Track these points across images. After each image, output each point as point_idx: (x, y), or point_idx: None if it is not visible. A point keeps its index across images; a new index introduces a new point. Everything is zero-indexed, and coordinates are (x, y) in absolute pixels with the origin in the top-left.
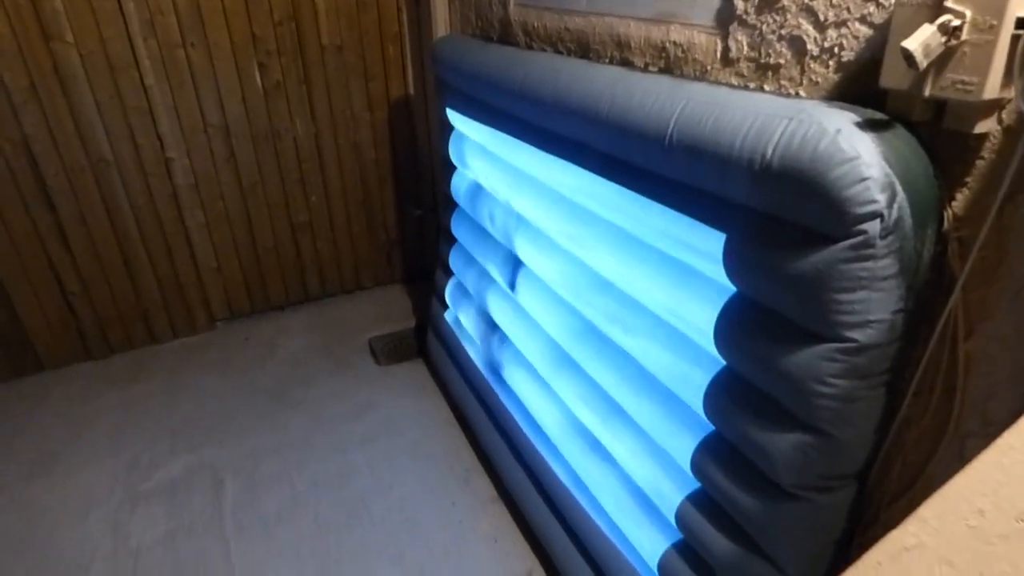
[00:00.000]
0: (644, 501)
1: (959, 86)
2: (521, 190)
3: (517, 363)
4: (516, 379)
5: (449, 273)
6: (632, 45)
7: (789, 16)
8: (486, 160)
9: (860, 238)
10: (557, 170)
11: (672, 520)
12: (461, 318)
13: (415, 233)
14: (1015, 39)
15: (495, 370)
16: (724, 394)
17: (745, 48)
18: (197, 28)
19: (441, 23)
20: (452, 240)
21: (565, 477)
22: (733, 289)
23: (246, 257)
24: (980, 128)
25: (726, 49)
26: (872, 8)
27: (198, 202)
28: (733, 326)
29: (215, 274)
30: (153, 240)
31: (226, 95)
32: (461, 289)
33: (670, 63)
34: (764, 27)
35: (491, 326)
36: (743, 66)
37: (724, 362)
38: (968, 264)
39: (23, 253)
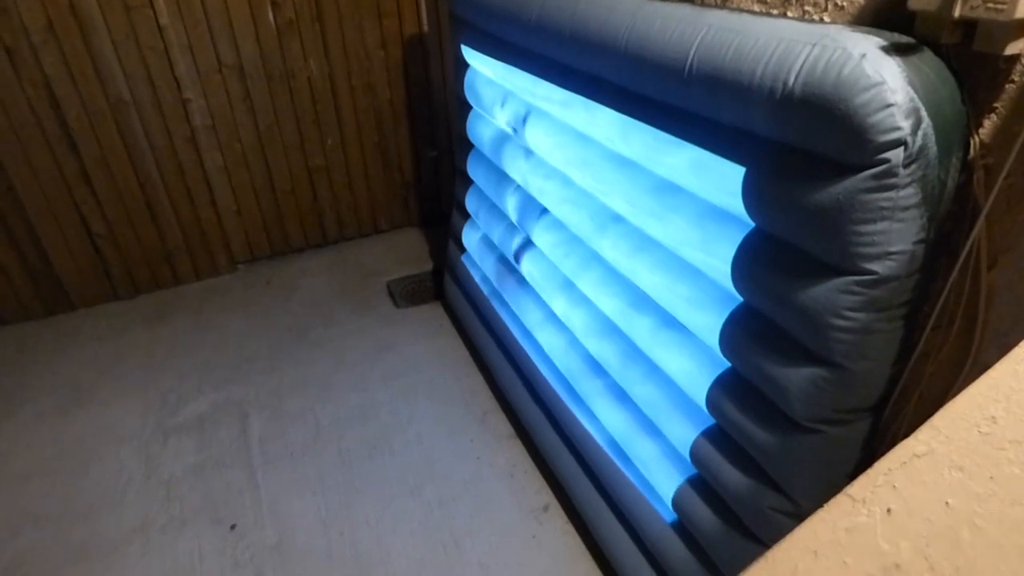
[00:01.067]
0: (659, 438)
1: (990, 5)
2: (538, 127)
3: (535, 303)
4: (532, 319)
5: (466, 215)
6: None
7: None
8: (501, 96)
9: (883, 167)
10: (576, 107)
11: (686, 455)
12: (477, 259)
13: (431, 175)
14: None
15: (510, 309)
16: (740, 330)
17: None
18: None
19: None
20: (468, 182)
21: (580, 414)
22: (749, 227)
23: (265, 200)
24: (1011, 50)
25: None
26: None
27: (216, 144)
28: (751, 261)
29: (235, 217)
30: (174, 182)
31: (240, 34)
32: (478, 230)
33: None
34: None
35: (507, 267)
36: None
37: (740, 299)
38: (993, 193)
39: (50, 196)
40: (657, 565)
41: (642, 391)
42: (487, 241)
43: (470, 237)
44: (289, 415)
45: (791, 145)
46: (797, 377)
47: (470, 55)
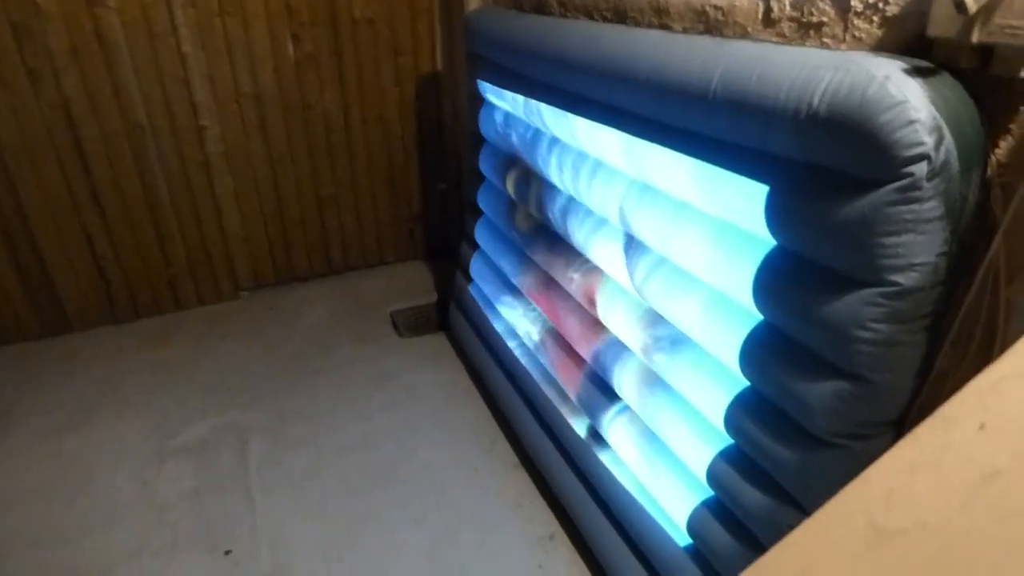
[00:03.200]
0: (673, 461)
1: (1008, 30)
2: (558, 157)
3: (547, 331)
4: (546, 345)
5: (474, 246)
6: (671, 11)
7: None
8: (519, 128)
9: (907, 180)
10: (595, 135)
11: (703, 477)
12: (485, 288)
13: (438, 209)
14: None
15: (518, 336)
16: (761, 348)
17: (788, 8)
18: None
19: None
20: (478, 213)
21: (590, 441)
22: (770, 245)
23: (273, 227)
24: None
25: (768, 10)
26: None
27: (228, 170)
28: (773, 279)
29: (242, 243)
30: (183, 207)
31: (259, 65)
32: (487, 261)
33: (710, 26)
34: None
35: (520, 297)
36: (784, 26)
37: (761, 317)
38: (1011, 211)
39: (58, 217)
40: None
41: (656, 413)
42: (497, 270)
43: (478, 267)
44: (290, 442)
45: (815, 164)
46: (821, 392)
47: (488, 90)
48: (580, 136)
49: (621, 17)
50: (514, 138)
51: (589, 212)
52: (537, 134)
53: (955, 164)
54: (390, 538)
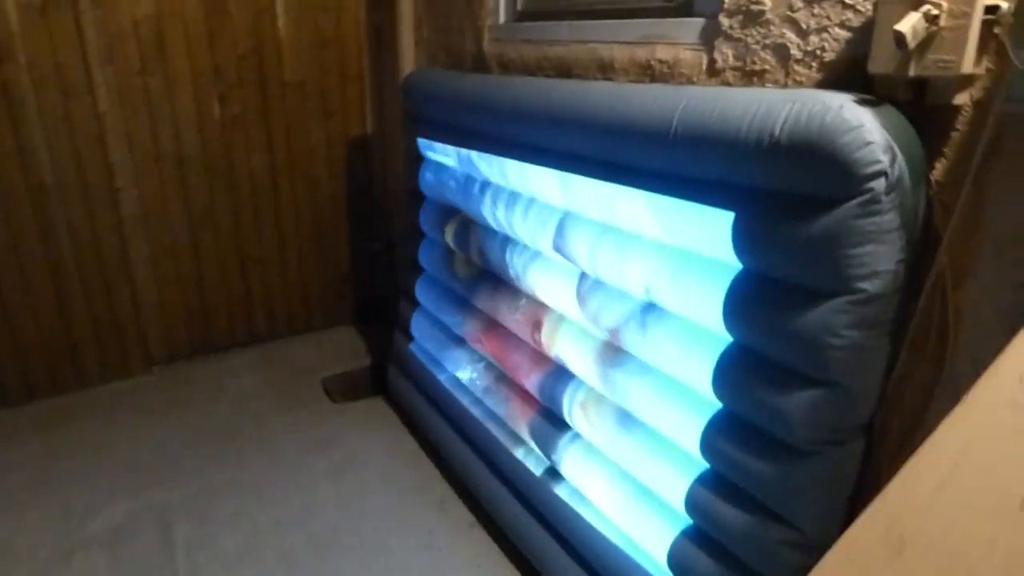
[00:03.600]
0: (647, 496)
1: (940, 64)
2: (509, 206)
3: (495, 375)
4: (495, 389)
5: (414, 304)
6: (616, 66)
7: (773, 28)
8: (461, 181)
9: (868, 195)
10: (549, 181)
11: (681, 507)
12: (429, 346)
13: (367, 270)
14: (985, 23)
15: (464, 386)
16: (734, 369)
17: (731, 59)
18: (158, 57)
19: (407, 62)
20: (417, 271)
21: (557, 488)
22: (734, 270)
23: (191, 293)
24: (958, 100)
25: (712, 61)
26: (850, 14)
27: (144, 234)
28: (743, 302)
29: (156, 311)
30: (91, 273)
31: (183, 125)
32: (429, 317)
33: (655, 78)
34: (749, 39)
35: (465, 347)
36: (728, 75)
37: (730, 339)
38: (951, 225)
39: None
40: None
41: (626, 448)
42: (438, 323)
43: (420, 324)
44: (220, 519)
45: (778, 189)
46: (798, 402)
47: (429, 148)
48: (532, 183)
49: (565, 74)
50: (455, 190)
51: (536, 253)
52: (484, 185)
53: (907, 180)
54: None
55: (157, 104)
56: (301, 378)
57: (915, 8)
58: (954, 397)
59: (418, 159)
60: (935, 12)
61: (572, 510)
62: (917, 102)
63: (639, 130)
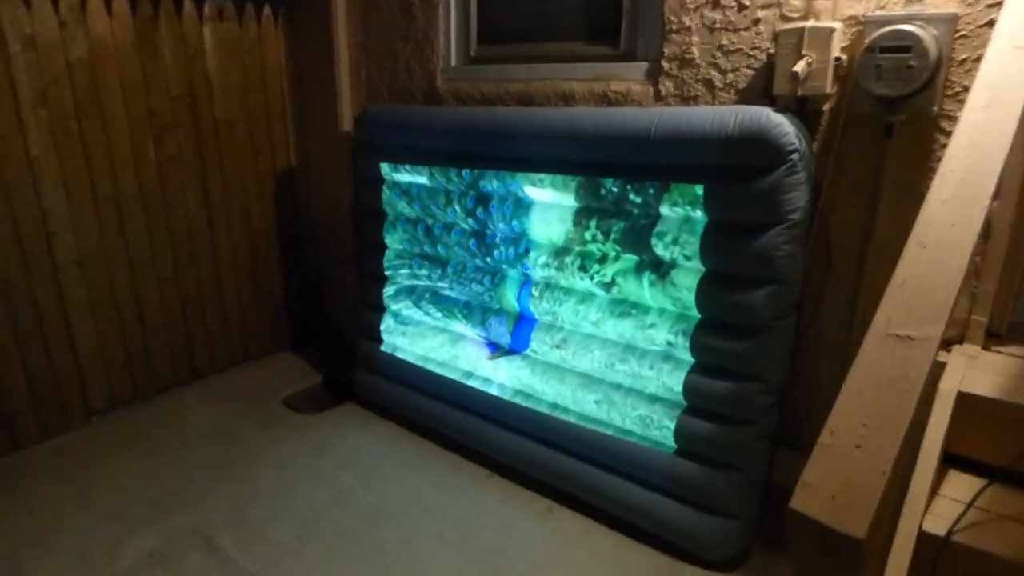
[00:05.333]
0: (640, 397)
1: (813, 88)
2: (491, 205)
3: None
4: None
5: (381, 309)
6: (577, 97)
7: (701, 69)
8: (431, 194)
9: (790, 163)
10: (526, 184)
11: (680, 394)
12: (410, 340)
13: (298, 299)
14: (836, 66)
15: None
16: (711, 287)
17: (672, 90)
18: (93, 100)
19: (346, 101)
20: (381, 280)
21: (569, 417)
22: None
23: (133, 336)
24: (824, 107)
25: (658, 91)
26: (752, 61)
27: (82, 279)
28: (713, 240)
29: (96, 358)
30: (25, 326)
31: (120, 167)
32: (405, 324)
33: (612, 104)
34: (685, 76)
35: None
36: (671, 100)
37: (704, 269)
38: (826, 179)
39: None
40: (671, 493)
41: (628, 365)
42: (415, 320)
43: (390, 324)
44: (260, 521)
45: (732, 165)
46: (758, 297)
47: (391, 171)
48: (520, 185)
49: (527, 104)
50: (429, 201)
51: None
52: (462, 193)
53: (806, 153)
54: (424, 558)
55: (93, 147)
56: (261, 402)
57: (799, 59)
58: (835, 279)
59: (377, 182)
60: (811, 60)
61: (588, 430)
62: (802, 109)
63: (622, 136)
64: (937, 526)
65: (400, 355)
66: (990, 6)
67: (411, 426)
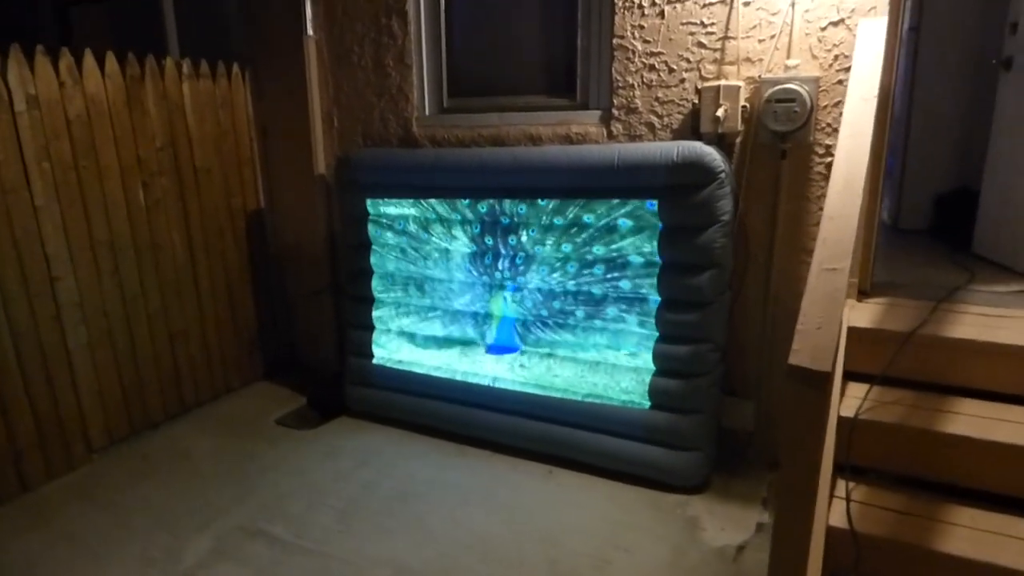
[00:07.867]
0: (617, 370)
1: (729, 126)
2: (465, 231)
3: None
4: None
5: (370, 328)
6: (543, 138)
7: (643, 114)
8: (420, 223)
9: (719, 180)
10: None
11: (650, 362)
12: (402, 350)
13: (271, 331)
14: (743, 112)
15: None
16: (667, 274)
17: (621, 130)
18: (89, 152)
19: (319, 148)
20: (369, 302)
21: (560, 395)
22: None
23: (127, 372)
24: (737, 140)
25: (610, 132)
26: (683, 108)
27: (82, 319)
28: (668, 239)
29: (95, 397)
30: (32, 368)
31: (113, 212)
32: (390, 331)
33: (574, 143)
34: (631, 120)
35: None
36: (621, 138)
37: (661, 262)
38: (741, 190)
39: None
40: (649, 440)
41: (597, 341)
42: (412, 327)
43: (382, 339)
44: (305, 509)
45: (677, 184)
46: (703, 279)
47: (378, 206)
48: (496, 208)
49: (499, 144)
50: (417, 231)
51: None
52: (447, 219)
53: (729, 173)
54: (457, 519)
55: (89, 195)
56: (255, 425)
57: (717, 107)
58: (753, 260)
59: (363, 216)
60: (726, 108)
61: (577, 403)
62: (722, 142)
63: (591, 167)
64: (848, 411)
65: (392, 366)
66: (838, 71)
67: (409, 427)
